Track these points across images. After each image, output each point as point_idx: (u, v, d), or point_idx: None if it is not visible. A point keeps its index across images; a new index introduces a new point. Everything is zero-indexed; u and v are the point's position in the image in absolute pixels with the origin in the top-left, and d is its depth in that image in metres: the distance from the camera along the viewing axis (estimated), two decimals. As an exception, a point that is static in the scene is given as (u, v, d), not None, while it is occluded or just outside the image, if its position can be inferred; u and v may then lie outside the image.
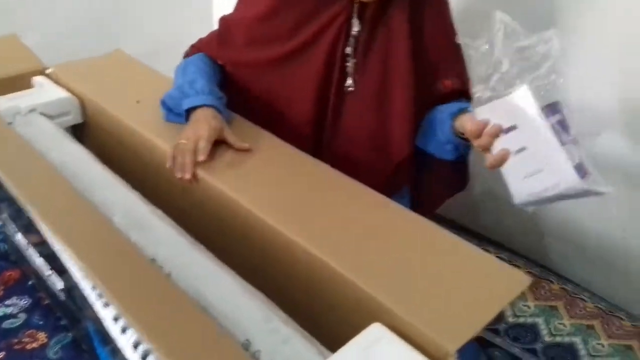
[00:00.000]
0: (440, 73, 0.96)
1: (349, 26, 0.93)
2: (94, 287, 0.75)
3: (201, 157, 0.88)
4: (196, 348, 0.62)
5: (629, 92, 1.19)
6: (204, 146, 0.88)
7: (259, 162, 0.91)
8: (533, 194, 0.77)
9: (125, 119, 1.04)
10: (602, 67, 1.20)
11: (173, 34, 1.88)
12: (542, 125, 0.74)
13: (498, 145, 0.77)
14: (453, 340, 0.62)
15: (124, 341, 0.76)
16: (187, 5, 1.94)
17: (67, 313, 1.10)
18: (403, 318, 0.65)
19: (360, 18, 0.92)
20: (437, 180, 1.09)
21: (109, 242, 0.78)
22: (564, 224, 1.40)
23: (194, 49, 1.09)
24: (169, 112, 1.01)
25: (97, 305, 0.78)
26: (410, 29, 0.92)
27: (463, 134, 0.85)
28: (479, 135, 0.77)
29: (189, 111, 0.96)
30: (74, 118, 1.15)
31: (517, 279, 0.70)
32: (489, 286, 0.69)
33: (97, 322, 0.80)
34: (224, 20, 1.06)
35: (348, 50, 0.94)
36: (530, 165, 0.76)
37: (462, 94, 0.97)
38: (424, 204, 1.11)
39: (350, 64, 0.95)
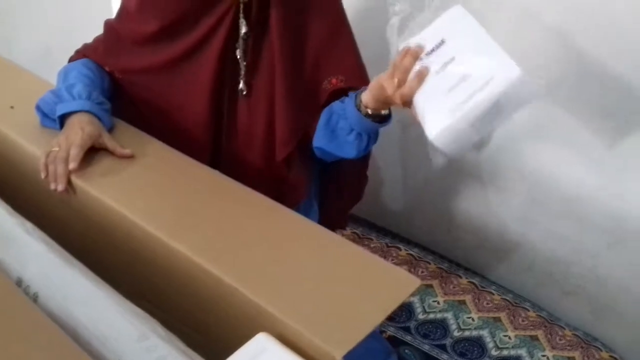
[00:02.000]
0: (325, 72, 0.93)
1: (237, 27, 0.89)
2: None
3: (72, 165, 0.81)
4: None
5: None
6: (75, 153, 0.82)
7: (141, 168, 0.85)
8: (455, 114, 0.68)
9: (7, 130, 0.96)
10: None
11: (67, 33, 1.78)
12: (478, 30, 0.69)
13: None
14: (339, 346, 0.59)
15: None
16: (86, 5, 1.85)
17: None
18: (289, 325, 0.61)
19: (246, 19, 0.88)
20: (338, 191, 1.08)
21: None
22: (467, 217, 1.43)
23: (79, 54, 1.02)
24: (44, 117, 0.93)
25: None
26: (290, 28, 0.90)
27: (368, 109, 0.83)
28: (399, 71, 0.72)
29: (64, 117, 0.89)
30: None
31: (407, 281, 0.68)
32: (379, 289, 0.67)
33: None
34: (109, 25, 1.00)
35: (238, 53, 0.90)
36: (456, 76, 0.69)
37: (355, 90, 0.95)
38: (330, 219, 1.09)
39: (241, 67, 0.91)
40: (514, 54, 0.68)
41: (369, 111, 0.84)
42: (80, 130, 0.84)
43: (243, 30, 0.89)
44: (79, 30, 1.23)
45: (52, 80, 1.08)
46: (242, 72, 0.92)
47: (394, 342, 1.27)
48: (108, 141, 0.87)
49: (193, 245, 0.71)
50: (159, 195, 0.81)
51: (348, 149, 0.91)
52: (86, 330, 0.62)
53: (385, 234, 1.55)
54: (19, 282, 0.68)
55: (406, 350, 1.25)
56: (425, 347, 1.26)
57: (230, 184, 0.84)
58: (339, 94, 0.92)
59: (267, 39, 0.90)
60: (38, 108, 0.93)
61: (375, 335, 1.19)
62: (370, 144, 0.91)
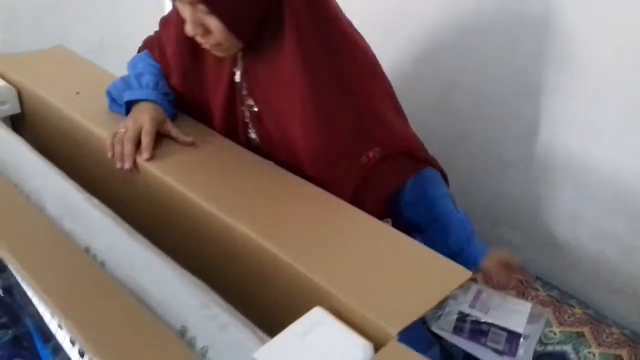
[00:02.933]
0: (359, 148, 0.89)
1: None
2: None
3: (145, 155, 0.86)
4: (129, 339, 0.59)
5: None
6: (147, 142, 0.86)
7: (202, 155, 0.89)
8: None
9: (65, 109, 1.01)
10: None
11: (119, 27, 1.84)
12: None
13: None
14: (395, 323, 0.60)
15: (62, 337, 0.72)
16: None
17: (7, 310, 1.05)
18: (344, 302, 0.63)
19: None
20: None
21: (39, 231, 0.74)
22: (514, 213, 1.42)
23: (146, 44, 1.06)
24: (112, 102, 0.98)
25: (35, 300, 0.74)
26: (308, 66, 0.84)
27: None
28: None
29: (131, 104, 0.93)
30: (11, 108, 1.10)
31: (459, 272, 0.69)
32: (431, 278, 0.68)
33: (38, 318, 0.77)
34: (160, 24, 1.03)
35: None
36: None
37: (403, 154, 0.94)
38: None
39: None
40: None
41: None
42: (148, 115, 0.88)
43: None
44: (130, 23, 1.28)
45: (108, 70, 1.13)
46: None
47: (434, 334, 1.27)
48: (172, 128, 0.90)
49: (251, 225, 0.73)
50: (219, 178, 0.84)
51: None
52: (152, 298, 0.65)
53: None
54: (86, 251, 0.72)
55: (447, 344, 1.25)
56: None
57: (286, 175, 0.86)
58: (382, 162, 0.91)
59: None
60: (108, 93, 0.97)
61: (418, 326, 1.19)
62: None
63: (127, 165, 0.85)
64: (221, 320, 0.62)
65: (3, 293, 0.98)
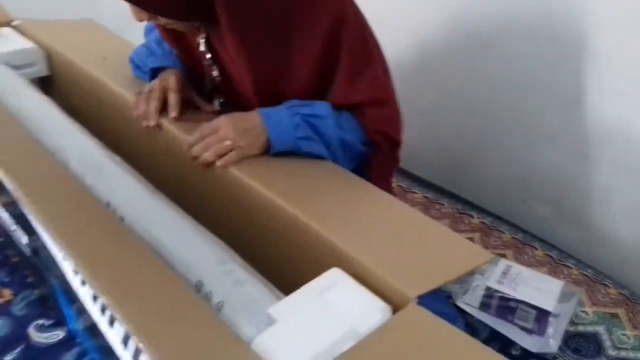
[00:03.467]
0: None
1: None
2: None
3: (173, 113, 0.85)
4: (147, 292, 0.59)
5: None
6: (175, 100, 0.85)
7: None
8: None
9: (93, 72, 1.01)
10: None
11: None
12: None
13: None
14: (413, 288, 0.58)
15: (84, 294, 0.73)
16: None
17: (34, 270, 1.07)
18: (364, 264, 0.61)
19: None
20: None
21: (62, 186, 0.74)
22: (545, 186, 1.37)
23: None
24: (136, 68, 0.98)
25: (59, 258, 0.75)
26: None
27: None
28: None
29: (155, 71, 0.92)
30: (40, 69, 1.11)
31: (481, 253, 0.67)
32: (454, 255, 0.66)
33: (63, 280, 0.77)
34: None
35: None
36: None
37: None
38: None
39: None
40: None
41: None
42: (174, 76, 0.87)
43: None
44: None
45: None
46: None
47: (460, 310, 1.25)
48: (194, 96, 0.89)
49: (272, 185, 0.72)
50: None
51: None
52: (169, 253, 0.65)
53: (457, 200, 1.52)
54: (107, 206, 0.72)
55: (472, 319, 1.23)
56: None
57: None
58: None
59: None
60: (131, 60, 0.97)
61: (443, 300, 1.17)
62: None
63: (152, 122, 0.85)
64: (237, 276, 0.61)
65: (31, 254, 0.99)
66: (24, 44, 1.10)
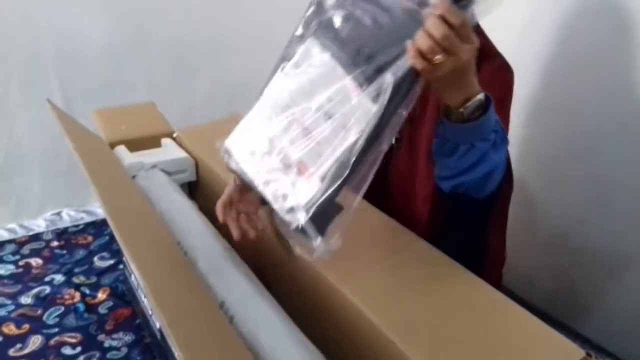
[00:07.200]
0: None
1: None
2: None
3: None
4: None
5: None
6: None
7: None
8: None
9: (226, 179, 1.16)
10: None
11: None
12: None
13: None
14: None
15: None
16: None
17: (162, 352, 1.19)
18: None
19: None
20: None
21: (186, 284, 0.85)
22: None
23: None
24: None
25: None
26: None
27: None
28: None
29: None
30: (189, 175, 1.30)
31: (573, 352, 0.66)
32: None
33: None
34: None
35: None
36: None
37: None
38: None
39: None
40: None
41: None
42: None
43: None
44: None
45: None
46: None
47: None
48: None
49: (360, 294, 0.77)
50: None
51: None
52: (266, 354, 0.72)
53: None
54: (221, 305, 0.82)
55: None
56: None
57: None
58: None
59: None
60: None
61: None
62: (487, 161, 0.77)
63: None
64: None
65: (160, 338, 1.11)
66: (179, 153, 1.30)
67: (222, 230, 1.03)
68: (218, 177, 1.20)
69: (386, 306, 0.77)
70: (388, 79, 0.64)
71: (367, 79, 0.65)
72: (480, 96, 0.72)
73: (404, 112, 0.66)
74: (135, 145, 1.33)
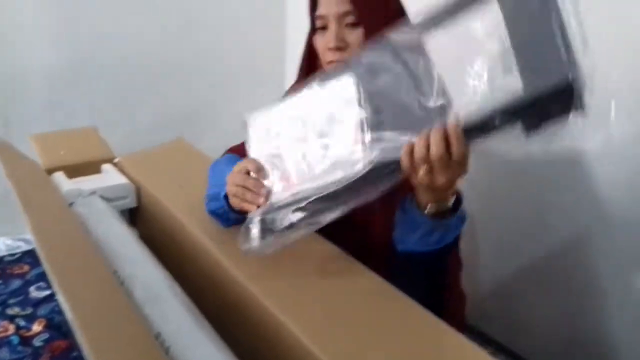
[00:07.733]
0: None
1: None
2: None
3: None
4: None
5: None
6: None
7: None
8: None
9: (170, 205, 1.14)
10: None
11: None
12: None
13: None
14: None
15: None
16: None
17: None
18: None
19: None
20: None
21: (118, 315, 0.82)
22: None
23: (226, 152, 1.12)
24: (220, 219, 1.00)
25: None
26: None
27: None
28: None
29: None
30: (130, 202, 1.27)
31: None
32: None
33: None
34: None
35: None
36: None
37: None
38: None
39: None
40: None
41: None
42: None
43: None
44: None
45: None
46: None
47: None
48: None
49: (302, 323, 0.77)
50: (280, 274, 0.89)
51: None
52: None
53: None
54: (157, 336, 0.79)
55: None
56: None
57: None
58: None
59: None
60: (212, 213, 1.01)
61: None
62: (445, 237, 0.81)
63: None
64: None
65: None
66: (119, 179, 1.27)
67: (163, 258, 1.01)
68: (160, 202, 1.18)
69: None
70: (377, 154, 0.71)
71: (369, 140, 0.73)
72: (448, 204, 0.77)
73: (380, 187, 0.72)
74: (74, 171, 1.30)
